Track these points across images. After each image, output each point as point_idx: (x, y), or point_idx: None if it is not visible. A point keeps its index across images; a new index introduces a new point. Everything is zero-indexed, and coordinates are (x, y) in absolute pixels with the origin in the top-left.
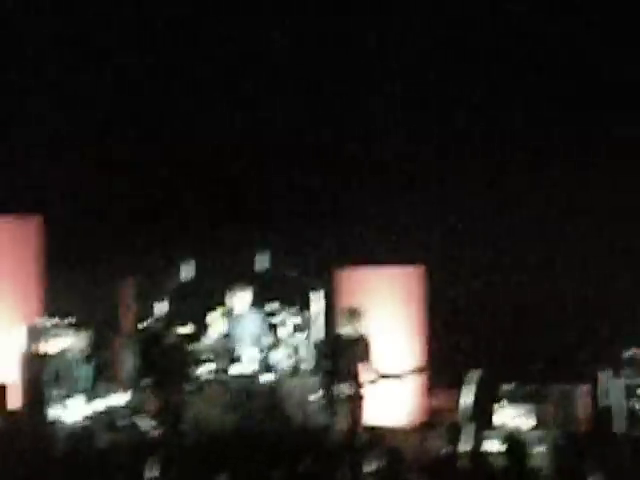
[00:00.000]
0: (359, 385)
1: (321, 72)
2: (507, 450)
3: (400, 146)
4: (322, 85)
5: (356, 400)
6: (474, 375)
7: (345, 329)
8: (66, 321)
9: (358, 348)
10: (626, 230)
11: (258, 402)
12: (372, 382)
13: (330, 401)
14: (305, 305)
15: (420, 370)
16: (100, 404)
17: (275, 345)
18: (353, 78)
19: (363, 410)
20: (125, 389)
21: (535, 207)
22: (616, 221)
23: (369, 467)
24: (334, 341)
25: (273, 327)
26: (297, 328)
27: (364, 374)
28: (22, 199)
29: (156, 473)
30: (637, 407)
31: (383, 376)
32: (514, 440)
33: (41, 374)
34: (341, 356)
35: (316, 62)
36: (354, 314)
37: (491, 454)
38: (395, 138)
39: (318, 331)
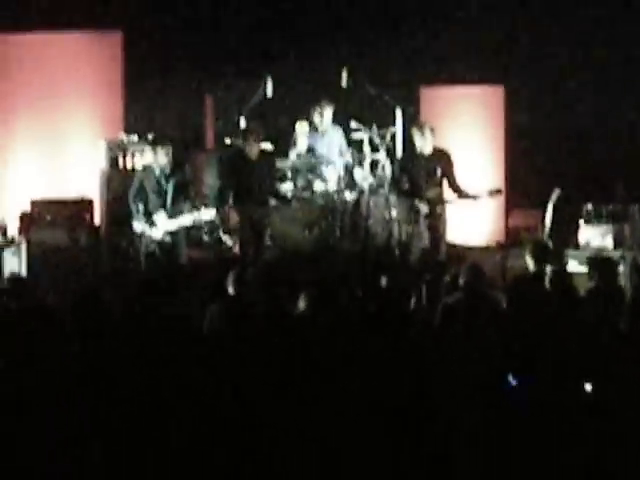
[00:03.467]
0: (439, 203)
1: None
2: (591, 269)
3: None
4: None
5: (436, 218)
6: (555, 195)
7: (421, 146)
8: (148, 137)
9: (438, 166)
10: None
11: (340, 219)
12: (452, 200)
13: (410, 218)
14: (389, 122)
15: (498, 192)
16: (183, 220)
17: (358, 162)
18: None
19: (443, 228)
20: (208, 205)
21: (617, 31)
22: None
23: (450, 283)
24: (412, 158)
25: (356, 144)
26: (380, 145)
27: (445, 192)
28: (103, 15)
29: (237, 289)
30: None
31: (463, 195)
32: (599, 259)
33: (123, 190)
34: (420, 174)
35: None
36: (426, 130)
37: (575, 273)
38: None
39: (400, 149)
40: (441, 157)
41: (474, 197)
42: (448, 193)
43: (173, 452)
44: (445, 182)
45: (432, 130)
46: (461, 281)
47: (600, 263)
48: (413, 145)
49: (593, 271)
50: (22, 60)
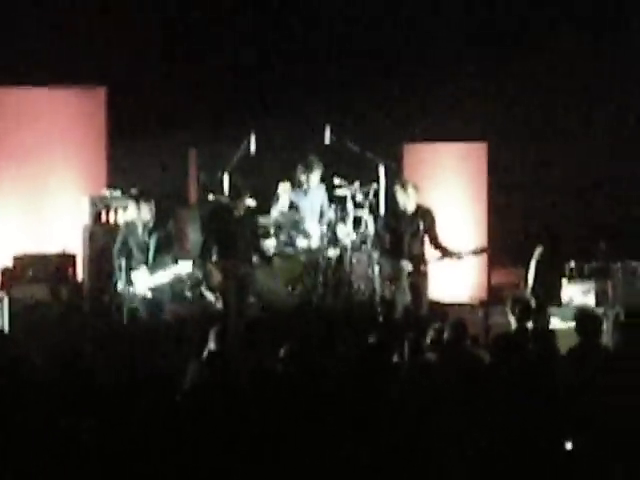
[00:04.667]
0: (422, 260)
1: None
2: (578, 326)
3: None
4: None
5: (418, 275)
6: (538, 252)
7: (404, 203)
8: (131, 192)
9: (420, 223)
10: None
11: (324, 275)
12: (435, 259)
13: (393, 275)
14: (371, 179)
15: (483, 250)
16: (165, 276)
17: (341, 219)
18: None
19: (425, 285)
20: (191, 261)
21: (599, 85)
22: None
23: (432, 340)
24: (395, 216)
25: (339, 201)
26: (363, 202)
27: (427, 250)
28: (87, 71)
29: (219, 345)
30: None
31: (447, 253)
32: (586, 315)
33: (106, 245)
34: (403, 231)
35: None
36: (409, 188)
37: (558, 330)
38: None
39: (383, 206)
40: (424, 215)
41: (458, 255)
42: (431, 251)
43: None
44: (427, 240)
45: (415, 188)
46: (445, 337)
47: (584, 319)
48: (396, 202)
49: (578, 327)
50: (5, 114)
